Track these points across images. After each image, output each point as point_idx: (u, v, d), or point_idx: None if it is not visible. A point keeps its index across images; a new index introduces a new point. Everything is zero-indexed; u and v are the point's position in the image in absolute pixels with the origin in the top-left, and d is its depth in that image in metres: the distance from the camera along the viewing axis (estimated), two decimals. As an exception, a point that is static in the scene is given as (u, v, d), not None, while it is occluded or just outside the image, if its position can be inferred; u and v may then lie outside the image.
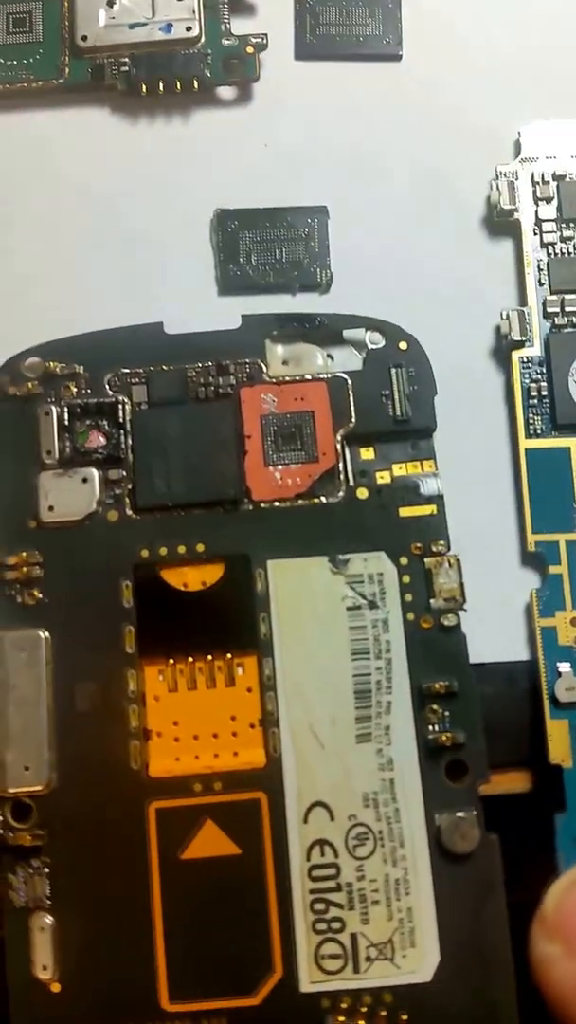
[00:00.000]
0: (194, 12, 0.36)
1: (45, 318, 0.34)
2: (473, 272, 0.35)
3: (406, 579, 0.32)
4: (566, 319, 0.33)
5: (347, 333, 0.34)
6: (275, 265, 0.35)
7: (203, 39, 0.37)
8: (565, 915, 0.21)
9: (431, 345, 0.34)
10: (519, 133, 0.35)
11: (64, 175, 0.36)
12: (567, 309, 0.33)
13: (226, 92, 0.37)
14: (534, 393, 0.33)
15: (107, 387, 0.33)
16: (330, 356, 0.34)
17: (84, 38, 0.36)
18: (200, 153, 0.37)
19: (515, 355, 0.33)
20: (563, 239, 0.34)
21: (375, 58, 0.38)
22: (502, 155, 0.36)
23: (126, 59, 0.36)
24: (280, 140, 0.37)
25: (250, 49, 0.36)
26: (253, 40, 0.36)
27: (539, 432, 0.33)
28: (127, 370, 0.33)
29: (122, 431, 0.33)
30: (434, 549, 0.32)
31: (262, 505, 0.32)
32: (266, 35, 0.36)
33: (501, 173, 0.34)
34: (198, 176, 0.36)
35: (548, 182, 0.34)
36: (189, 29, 0.36)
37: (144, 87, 0.36)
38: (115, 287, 0.35)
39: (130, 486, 0.33)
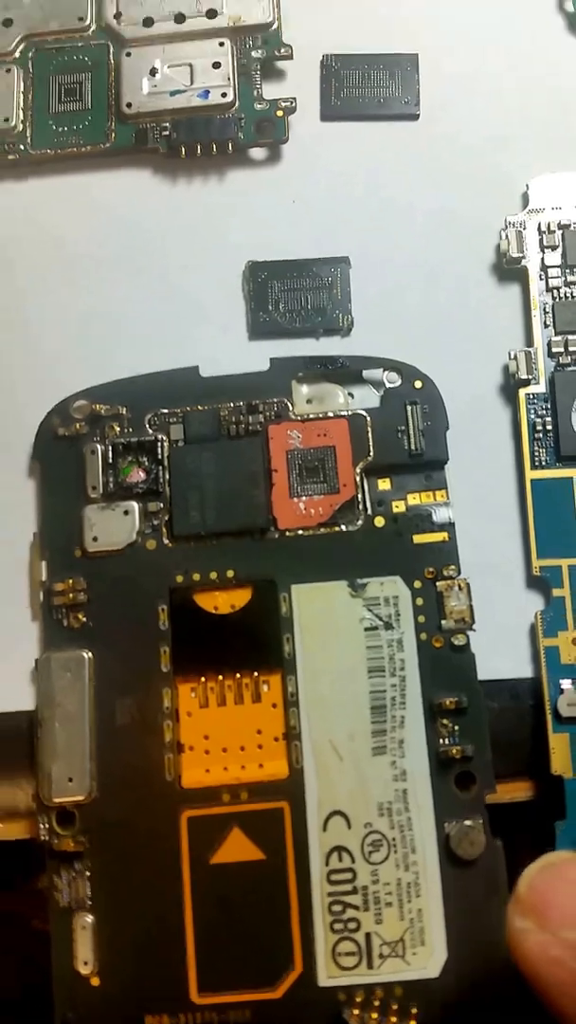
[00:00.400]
0: (229, 79, 0.38)
1: (92, 363, 0.36)
2: (483, 315, 0.37)
3: (419, 601, 0.33)
4: (569, 358, 0.34)
5: (366, 373, 0.35)
6: (301, 312, 0.37)
7: (237, 104, 0.38)
8: (536, 893, 0.22)
9: (444, 383, 0.35)
10: (527, 185, 0.37)
11: (110, 230, 0.38)
12: (570, 349, 0.34)
13: (258, 152, 0.38)
14: (539, 427, 0.34)
15: (147, 426, 0.35)
16: (351, 394, 0.35)
17: (129, 105, 0.38)
18: (234, 209, 0.38)
19: (522, 392, 0.34)
20: (567, 283, 0.35)
21: (395, 118, 0.39)
22: (511, 206, 0.37)
23: (167, 124, 0.38)
24: (307, 196, 0.38)
25: (280, 112, 0.38)
26: (283, 104, 0.38)
27: (543, 464, 0.35)
28: (166, 410, 0.35)
29: (160, 467, 0.34)
30: (445, 573, 0.33)
31: (287, 533, 0.34)
32: (295, 99, 0.38)
33: (510, 223, 0.36)
34: (232, 230, 0.38)
35: (554, 231, 0.35)
36: (224, 95, 0.38)
37: (183, 150, 0.38)
38: (156, 333, 0.37)
39: (167, 517, 0.34)
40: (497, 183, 0.37)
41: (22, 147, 0.38)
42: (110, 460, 0.35)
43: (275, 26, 0.39)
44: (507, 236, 0.35)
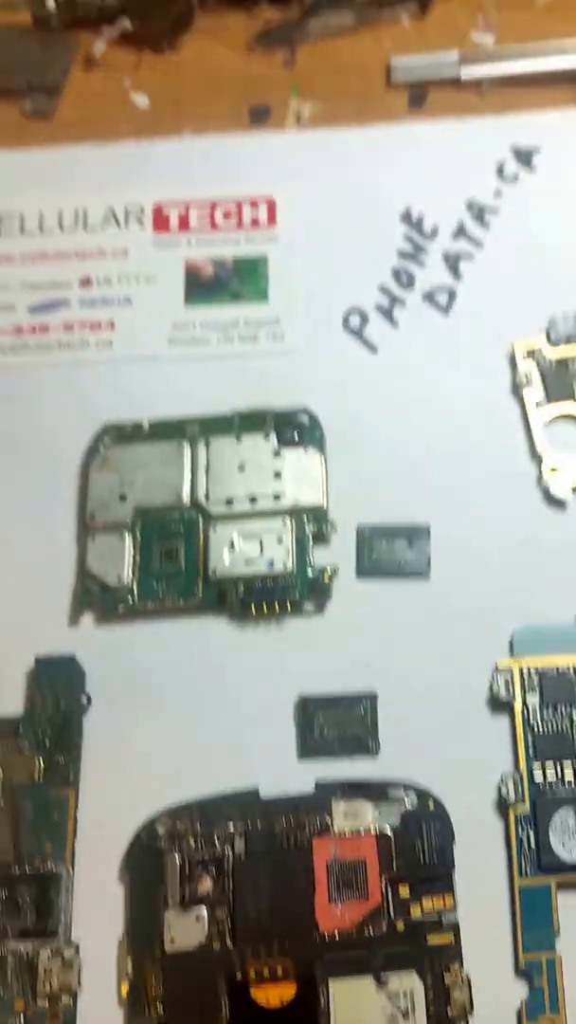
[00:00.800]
0: (289, 552, 0.48)
1: (173, 781, 0.45)
2: (481, 737, 0.46)
3: (430, 994, 0.40)
4: (547, 784, 0.42)
5: (391, 792, 0.43)
6: (340, 737, 0.46)
7: (294, 570, 0.48)
8: None
9: (450, 795, 0.44)
10: (512, 634, 0.46)
11: (192, 666, 0.49)
12: (548, 778, 0.42)
13: (308, 606, 0.46)
14: (525, 843, 0.42)
15: (216, 841, 0.42)
16: (378, 809, 0.42)
17: (214, 571, 0.48)
18: (288, 650, 0.48)
19: (511, 812, 0.43)
20: (543, 720, 0.43)
21: (410, 576, 0.48)
22: (501, 650, 0.47)
23: (242, 586, 0.48)
24: (346, 639, 0.48)
25: (326, 578, 0.47)
26: (328, 571, 0.47)
27: (527, 873, 0.42)
28: (231, 827, 0.43)
29: (226, 877, 0.42)
30: (451, 969, 0.40)
31: (326, 935, 0.40)
32: (338, 566, 0.49)
33: (499, 669, 0.46)
34: (287, 669, 0.48)
35: (533, 676, 0.44)
36: (285, 566, 0.48)
37: (252, 607, 0.47)
38: (223, 753, 0.46)
39: (230, 921, 0.42)
40: (489, 632, 0.47)
41: (130, 600, 0.48)
42: (186, 871, 0.42)
43: (324, 506, 0.49)
44: (497, 680, 0.44)
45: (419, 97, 0.61)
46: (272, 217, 0.59)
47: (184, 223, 0.60)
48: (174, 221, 0.60)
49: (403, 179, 0.59)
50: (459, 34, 0.63)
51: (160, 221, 0.60)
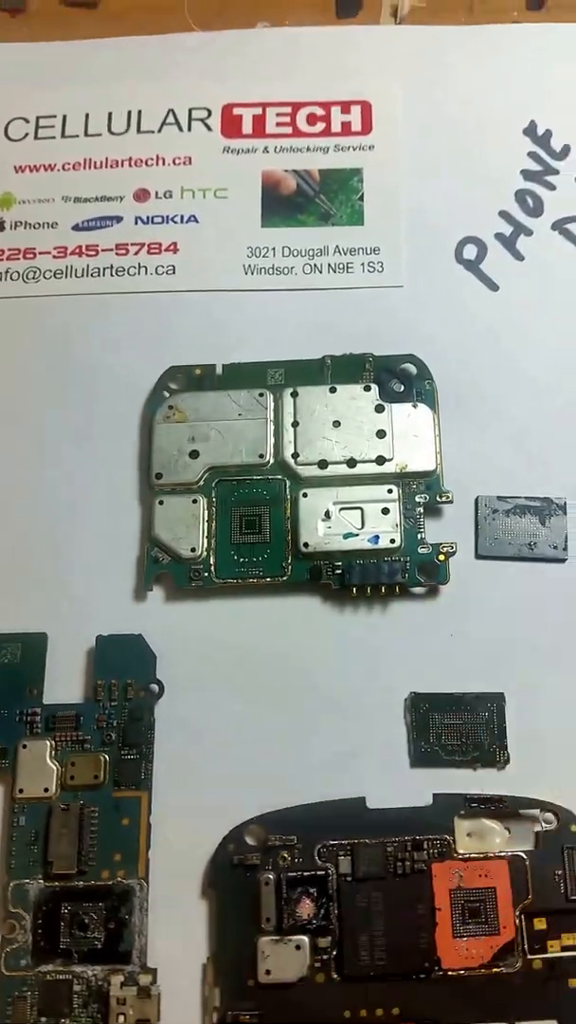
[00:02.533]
0: (396, 525, 0.49)
1: (265, 787, 0.47)
2: None
3: None
4: None
5: (524, 812, 0.44)
6: (459, 744, 0.47)
7: (402, 547, 0.49)
8: None
9: None
10: None
11: (283, 656, 0.50)
12: None
13: (420, 589, 0.48)
14: None
15: (316, 857, 0.44)
16: (508, 829, 0.44)
17: (306, 545, 0.50)
18: (396, 641, 0.49)
19: None
20: None
21: (544, 560, 0.49)
22: None
23: (339, 563, 0.49)
24: (464, 630, 0.49)
25: (442, 557, 0.49)
26: (444, 549, 0.49)
27: None
28: (334, 842, 0.44)
29: (330, 900, 0.43)
30: None
31: (450, 973, 0.42)
32: (455, 544, 0.50)
33: None
34: (394, 661, 0.49)
35: None
36: (392, 541, 0.49)
37: (354, 589, 0.48)
38: (324, 756, 0.48)
39: (335, 952, 0.43)
40: None
41: (207, 574, 0.49)
42: (283, 892, 0.43)
43: (438, 472, 0.50)
44: None
45: (540, -4, 0.62)
46: (368, 124, 0.60)
47: (260, 128, 0.61)
48: (248, 125, 0.61)
49: (525, 88, 0.60)
50: None
51: (231, 125, 0.61)
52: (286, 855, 0.44)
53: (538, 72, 0.61)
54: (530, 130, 0.59)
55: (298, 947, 0.43)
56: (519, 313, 0.55)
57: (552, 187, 0.57)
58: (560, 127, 0.59)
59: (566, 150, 0.58)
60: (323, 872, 0.44)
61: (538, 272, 0.56)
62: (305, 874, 0.44)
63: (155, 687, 0.48)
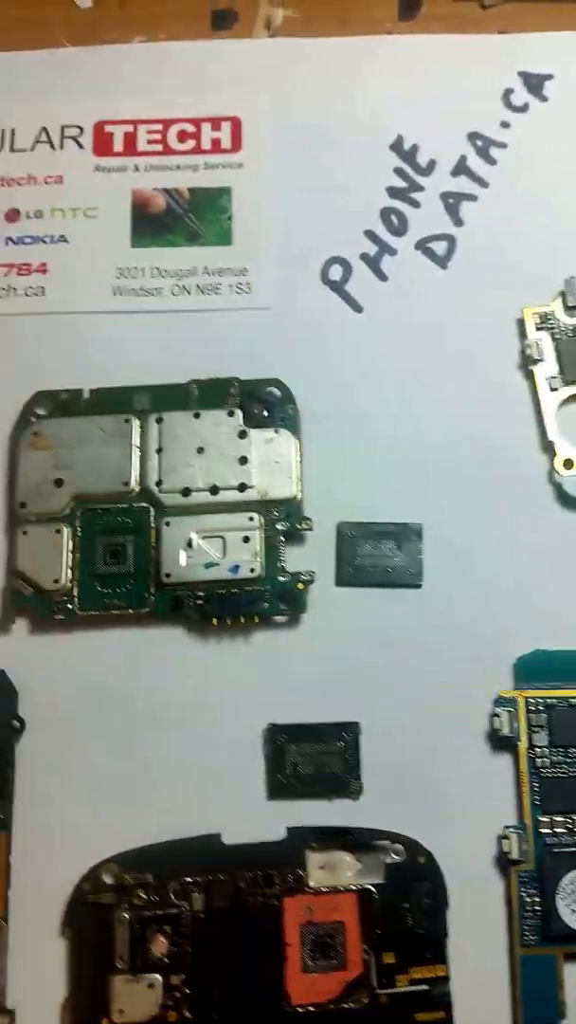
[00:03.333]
0: (256, 554, 0.45)
1: (120, 826, 0.44)
2: (480, 785, 0.44)
3: None
4: (556, 839, 0.40)
5: (374, 843, 0.42)
6: (315, 774, 0.44)
7: (263, 576, 0.45)
8: None
9: (443, 851, 0.42)
10: (517, 660, 0.45)
11: (144, 687, 0.46)
12: (557, 830, 0.40)
13: (280, 618, 0.44)
14: (528, 907, 0.41)
15: (171, 895, 0.41)
16: (359, 861, 0.41)
17: (167, 575, 0.46)
18: (256, 670, 0.46)
19: (513, 871, 0.40)
20: (552, 764, 0.41)
21: (400, 585, 0.46)
22: (503, 679, 0.46)
23: (201, 593, 0.45)
24: (322, 658, 0.46)
25: (301, 585, 0.46)
26: (303, 577, 0.46)
27: (531, 943, 0.41)
28: (189, 879, 0.41)
29: (183, 938, 0.40)
30: None
31: (299, 1009, 0.40)
32: (313, 572, 0.46)
33: (502, 700, 0.44)
34: (255, 691, 0.45)
35: (541, 711, 0.41)
36: (252, 571, 0.45)
37: (214, 618, 0.45)
38: (182, 792, 0.44)
39: (187, 990, 0.40)
40: (490, 656, 0.45)
41: (70, 607, 0.46)
42: (137, 930, 0.40)
43: (299, 499, 0.46)
44: (499, 713, 0.42)
45: (412, 6, 0.57)
46: (237, 141, 0.56)
47: (131, 145, 0.56)
48: (119, 143, 0.56)
49: (394, 102, 0.55)
50: None
51: (102, 143, 0.56)
52: (142, 893, 0.41)
53: (407, 84, 0.56)
54: (396, 145, 0.55)
55: (151, 985, 0.40)
56: (382, 335, 0.51)
57: (417, 204, 0.53)
58: (427, 141, 0.55)
59: (432, 165, 0.53)
60: (177, 910, 0.41)
61: (401, 293, 0.52)
62: (159, 912, 0.41)
63: (16, 723, 0.44)
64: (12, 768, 0.43)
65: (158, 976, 0.40)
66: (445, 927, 0.40)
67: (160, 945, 0.40)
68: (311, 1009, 0.40)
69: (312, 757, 0.44)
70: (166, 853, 0.41)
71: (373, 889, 0.41)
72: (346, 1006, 0.40)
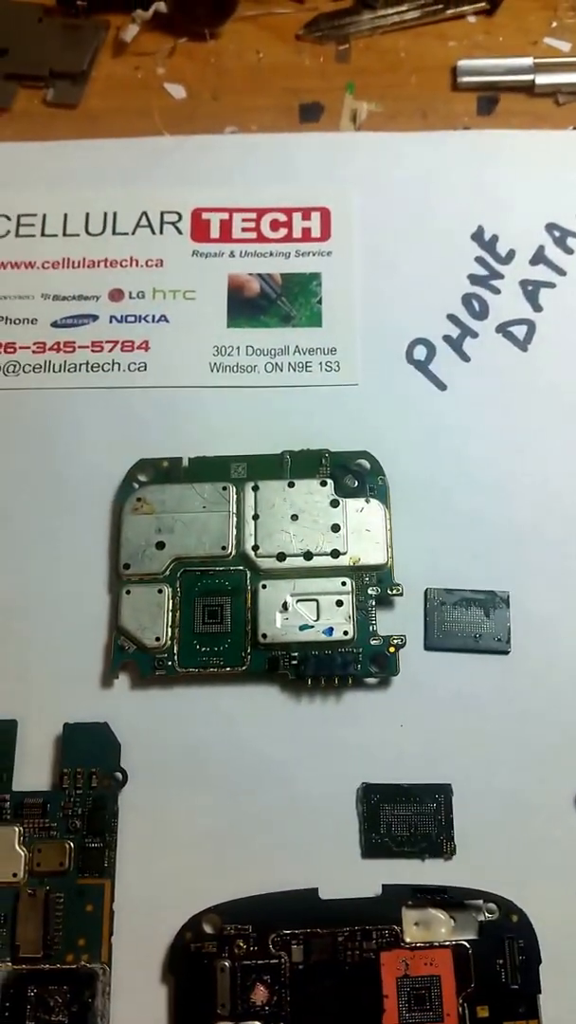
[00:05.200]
0: (349, 617, 0.47)
1: (221, 876, 0.44)
2: (568, 845, 0.45)
3: None
4: None
5: (467, 902, 0.42)
6: (408, 834, 0.44)
7: (355, 638, 0.46)
8: None
9: (536, 911, 0.43)
10: None
11: (241, 743, 0.47)
12: None
13: (372, 680, 0.45)
14: None
15: (271, 946, 0.41)
16: (453, 919, 0.41)
17: (264, 636, 0.47)
18: (349, 731, 0.47)
19: None
20: None
21: (489, 651, 0.47)
22: None
23: (296, 653, 0.47)
24: (414, 721, 0.47)
25: (392, 649, 0.47)
26: (395, 641, 0.47)
27: None
28: (287, 931, 0.42)
29: (283, 988, 0.40)
30: None
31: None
32: (404, 636, 0.47)
33: None
34: (347, 751, 0.47)
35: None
36: (346, 633, 0.46)
37: (309, 680, 0.45)
38: (279, 846, 0.45)
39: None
40: None
41: (170, 663, 0.47)
42: (237, 978, 0.41)
43: (389, 565, 0.48)
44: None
45: (490, 103, 0.60)
46: (326, 230, 0.59)
47: (226, 232, 0.59)
48: (215, 230, 0.59)
49: (475, 193, 0.58)
50: (530, 37, 0.63)
51: (199, 229, 0.59)
52: (242, 943, 0.42)
53: (486, 178, 0.59)
54: (477, 235, 0.57)
55: (253, 1034, 0.39)
56: (465, 412, 0.53)
57: (497, 291, 0.55)
58: (506, 232, 0.58)
59: (511, 255, 0.56)
60: (276, 960, 0.42)
61: (483, 373, 0.54)
62: (259, 962, 0.42)
63: (119, 775, 0.45)
64: (116, 819, 0.44)
65: (258, 1023, 0.40)
66: (538, 983, 0.41)
67: (260, 994, 0.41)
68: (409, 1053, 0.39)
69: (406, 817, 0.45)
70: (265, 905, 0.42)
71: (467, 944, 0.42)
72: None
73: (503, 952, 0.42)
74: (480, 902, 0.42)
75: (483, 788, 0.45)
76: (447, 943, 0.42)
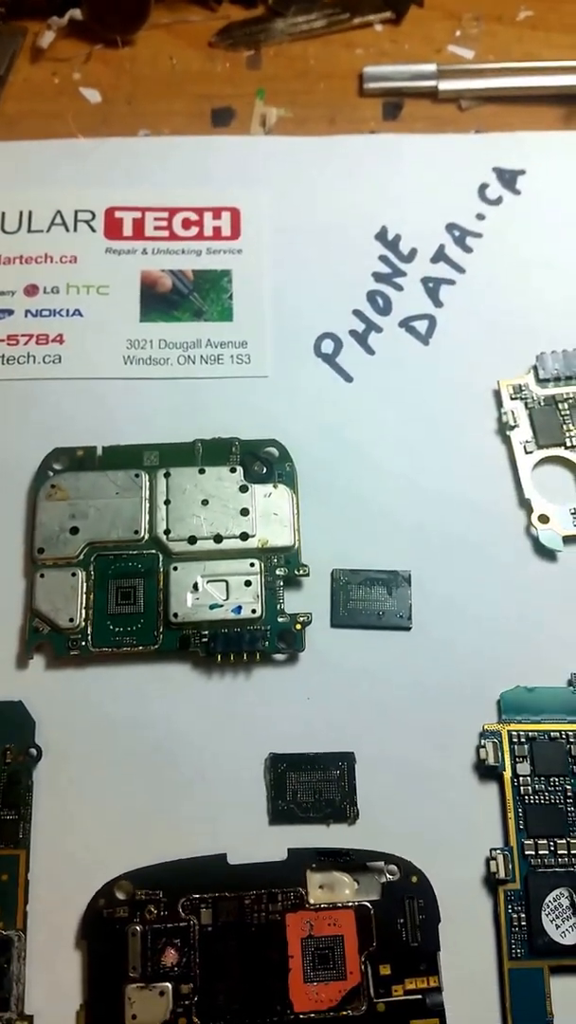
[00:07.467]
0: (257, 596, 0.48)
1: (132, 846, 0.45)
2: (468, 811, 0.47)
3: None
4: (539, 860, 0.43)
5: (370, 864, 0.44)
6: (313, 801, 0.46)
7: (263, 617, 0.48)
8: None
9: (435, 872, 0.44)
10: (500, 696, 0.48)
11: (153, 720, 0.48)
12: (540, 852, 0.43)
13: (279, 656, 0.47)
14: (515, 922, 0.43)
15: (180, 910, 0.43)
16: (356, 881, 0.43)
17: (175, 615, 0.48)
18: (258, 704, 0.48)
19: (501, 889, 0.43)
20: (535, 792, 0.44)
21: (391, 628, 0.50)
22: (488, 713, 0.48)
23: (206, 632, 0.48)
24: (319, 694, 0.49)
25: (298, 626, 0.49)
26: (300, 619, 0.49)
27: (519, 956, 0.44)
28: (197, 896, 0.43)
29: (192, 950, 0.42)
30: None
31: (301, 1016, 0.42)
32: (310, 613, 0.49)
33: (487, 732, 0.47)
34: (256, 723, 0.48)
35: (523, 743, 0.45)
36: (254, 611, 0.48)
37: (218, 656, 0.47)
38: (188, 816, 0.46)
39: (196, 998, 0.42)
40: (475, 692, 0.48)
41: (83, 644, 0.48)
42: (148, 942, 0.42)
43: (296, 548, 0.50)
44: (485, 745, 0.45)
45: (395, 108, 0.63)
46: (236, 229, 0.61)
47: (139, 230, 0.61)
48: (128, 228, 0.61)
49: (379, 195, 0.60)
50: (435, 46, 0.65)
51: (113, 227, 0.61)
52: (152, 908, 0.43)
53: (390, 180, 0.61)
54: (381, 235, 0.59)
55: (162, 993, 0.42)
56: (370, 402, 0.55)
57: (400, 288, 0.57)
58: (408, 232, 0.60)
59: (413, 254, 0.58)
60: (186, 923, 0.43)
61: (387, 365, 0.56)
62: (169, 926, 0.43)
63: (34, 751, 0.46)
64: (30, 792, 0.46)
65: (168, 984, 0.42)
66: (437, 941, 0.43)
67: (170, 956, 0.42)
68: (312, 1016, 0.41)
69: (311, 785, 0.46)
70: (175, 871, 0.44)
71: (369, 905, 0.43)
72: (345, 1013, 0.42)
73: (404, 912, 0.43)
74: (382, 864, 0.44)
75: (385, 756, 0.47)
76: (350, 904, 0.43)
